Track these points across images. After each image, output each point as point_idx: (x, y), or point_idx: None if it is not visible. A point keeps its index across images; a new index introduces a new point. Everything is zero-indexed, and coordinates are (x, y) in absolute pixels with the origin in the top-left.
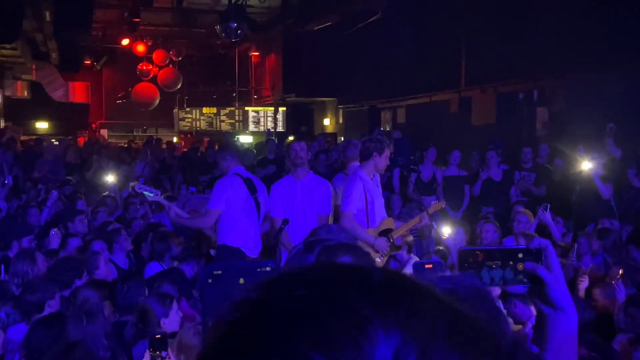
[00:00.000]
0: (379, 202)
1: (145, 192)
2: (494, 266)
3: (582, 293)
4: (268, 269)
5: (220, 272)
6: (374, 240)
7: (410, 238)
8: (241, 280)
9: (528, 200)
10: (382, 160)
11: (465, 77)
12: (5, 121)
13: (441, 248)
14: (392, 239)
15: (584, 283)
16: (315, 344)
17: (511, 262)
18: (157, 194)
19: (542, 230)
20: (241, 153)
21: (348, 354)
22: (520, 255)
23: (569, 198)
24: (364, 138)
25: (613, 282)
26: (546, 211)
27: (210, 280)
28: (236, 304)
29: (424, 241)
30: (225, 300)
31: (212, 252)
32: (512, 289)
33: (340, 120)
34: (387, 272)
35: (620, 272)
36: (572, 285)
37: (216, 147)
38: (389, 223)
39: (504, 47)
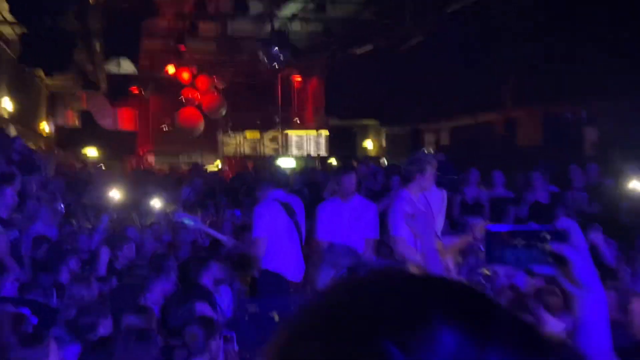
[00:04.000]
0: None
1: (185, 220)
2: (519, 246)
3: (635, 317)
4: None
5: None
6: None
7: (459, 259)
8: (275, 317)
9: (579, 221)
10: (425, 179)
11: (511, 98)
12: (57, 149)
13: (488, 273)
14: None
15: (636, 305)
16: (388, 333)
17: (537, 243)
18: (196, 221)
19: (594, 251)
20: (277, 176)
21: (415, 342)
22: (546, 236)
23: (620, 219)
24: (406, 161)
25: None
26: (598, 232)
27: (246, 318)
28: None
29: (472, 262)
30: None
31: (257, 274)
32: (539, 269)
33: (383, 143)
34: (455, 281)
35: None
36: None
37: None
38: (437, 245)
39: (551, 67)
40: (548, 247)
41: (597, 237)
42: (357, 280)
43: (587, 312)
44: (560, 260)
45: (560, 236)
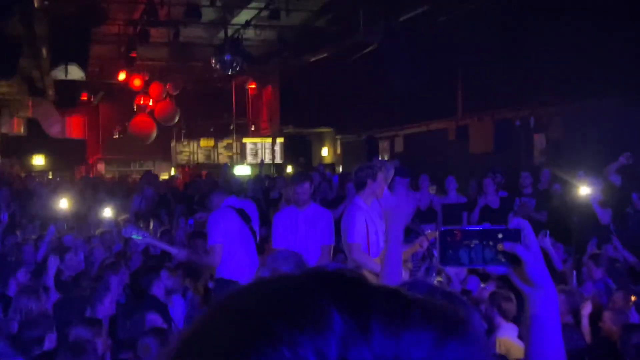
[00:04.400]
0: (379, 230)
1: (134, 236)
2: (472, 246)
3: (585, 320)
4: None
5: None
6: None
7: (410, 264)
8: None
9: None
10: (377, 185)
11: (462, 105)
12: (2, 158)
13: (440, 279)
14: None
15: (586, 309)
16: (281, 318)
17: (490, 242)
18: (145, 235)
19: (543, 256)
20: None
21: (309, 332)
22: (499, 236)
23: (568, 224)
24: (355, 168)
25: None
26: (546, 237)
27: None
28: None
29: (424, 269)
30: None
31: (211, 284)
32: (492, 269)
33: (338, 151)
34: (350, 272)
35: (633, 298)
36: (576, 313)
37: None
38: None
39: (500, 74)
40: (501, 246)
41: (546, 241)
42: (259, 281)
43: (539, 310)
44: (513, 260)
45: (513, 236)
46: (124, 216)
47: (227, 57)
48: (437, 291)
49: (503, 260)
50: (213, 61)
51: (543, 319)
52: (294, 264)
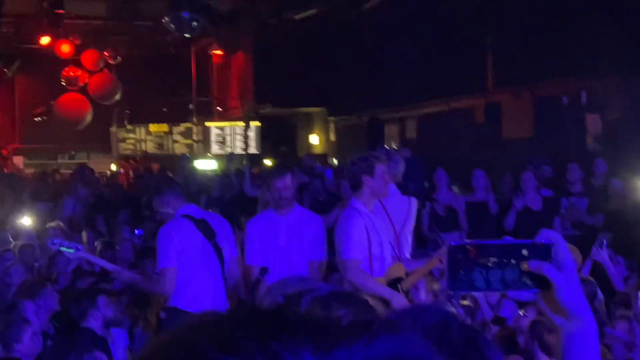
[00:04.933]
0: (385, 241)
1: (64, 249)
2: (490, 265)
3: None
4: None
5: None
6: (390, 295)
7: (436, 285)
8: None
9: (579, 234)
10: (377, 182)
11: (493, 78)
12: None
13: (467, 303)
14: (403, 291)
15: None
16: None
17: (513, 261)
18: (79, 249)
19: (600, 272)
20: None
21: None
22: (524, 252)
23: (631, 230)
24: (347, 164)
25: None
26: (602, 248)
27: None
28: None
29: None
30: None
31: (163, 314)
32: (515, 294)
33: (332, 137)
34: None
35: None
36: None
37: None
38: (399, 270)
39: (542, 37)
40: (526, 266)
41: (602, 253)
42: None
43: (574, 346)
44: (541, 283)
45: (541, 252)
46: (52, 223)
47: (184, 14)
48: (452, 323)
49: (528, 283)
50: (166, 19)
51: (580, 356)
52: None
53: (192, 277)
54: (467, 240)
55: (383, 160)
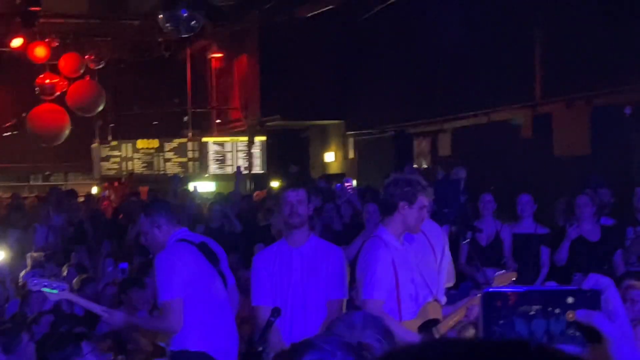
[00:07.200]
0: (417, 278)
1: (45, 290)
2: (532, 313)
3: None
4: None
5: None
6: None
7: (472, 331)
8: None
9: None
10: (414, 214)
11: (541, 85)
12: None
13: None
14: (439, 335)
15: None
16: None
17: (557, 310)
18: (63, 289)
19: None
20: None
21: None
22: (569, 300)
23: None
24: (386, 181)
25: None
26: None
27: None
28: None
29: None
30: None
31: None
32: (562, 348)
33: (351, 155)
34: None
35: None
36: None
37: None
38: (434, 310)
39: (600, 39)
40: (572, 315)
41: None
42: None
43: None
44: (590, 335)
45: (590, 300)
46: (34, 254)
47: (182, 12)
48: None
49: (577, 335)
50: (160, 18)
51: None
52: (380, 331)
53: (201, 310)
54: (505, 287)
55: (428, 193)
